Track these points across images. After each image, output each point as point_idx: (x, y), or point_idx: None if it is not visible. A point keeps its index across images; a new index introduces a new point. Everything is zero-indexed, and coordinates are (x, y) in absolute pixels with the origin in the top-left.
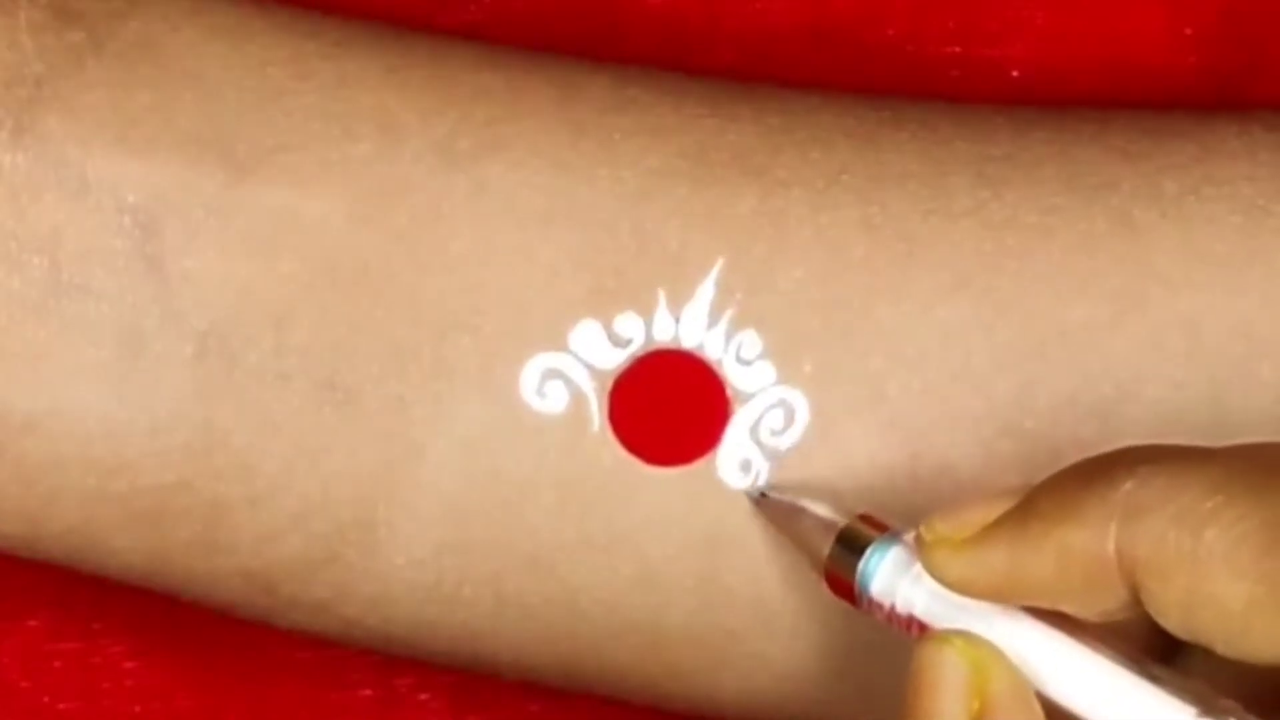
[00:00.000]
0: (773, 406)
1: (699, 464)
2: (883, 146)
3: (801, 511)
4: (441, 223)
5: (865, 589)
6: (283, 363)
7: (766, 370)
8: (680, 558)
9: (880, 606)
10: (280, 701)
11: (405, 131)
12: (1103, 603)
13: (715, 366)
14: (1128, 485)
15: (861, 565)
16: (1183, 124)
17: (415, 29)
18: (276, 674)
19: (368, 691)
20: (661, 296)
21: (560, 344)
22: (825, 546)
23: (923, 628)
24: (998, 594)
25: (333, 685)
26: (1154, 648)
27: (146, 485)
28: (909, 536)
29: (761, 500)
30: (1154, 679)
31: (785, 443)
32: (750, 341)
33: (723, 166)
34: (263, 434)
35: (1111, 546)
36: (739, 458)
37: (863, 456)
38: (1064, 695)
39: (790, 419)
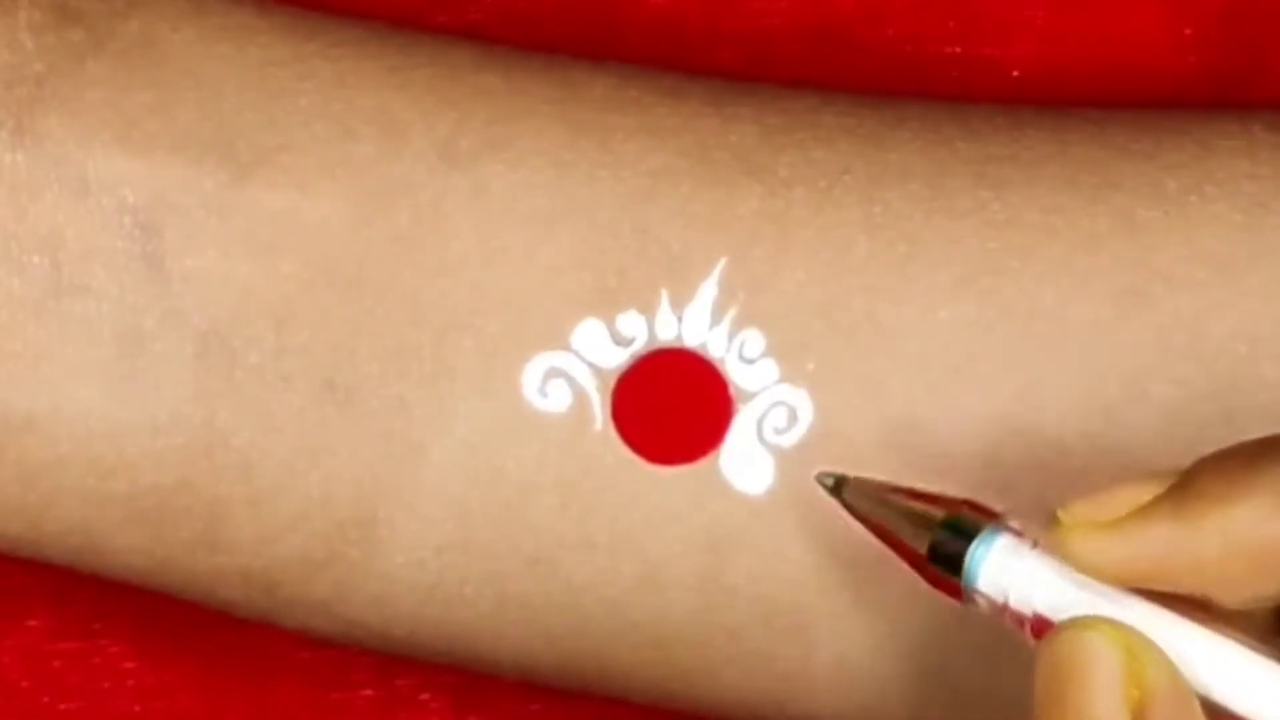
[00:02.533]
0: (776, 405)
1: (702, 463)
2: (885, 146)
3: (896, 495)
4: (442, 223)
5: (972, 582)
6: (283, 363)
7: (769, 369)
8: (683, 557)
9: (991, 600)
10: (280, 701)
11: (406, 131)
12: (1262, 588)
13: (718, 365)
14: None
15: (968, 557)
16: (1183, 123)
17: (416, 29)
18: (276, 674)
19: (368, 691)
20: (664, 295)
21: (562, 343)
22: (919, 536)
23: (1042, 621)
24: (1146, 578)
25: (333, 685)
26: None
27: (147, 485)
28: (1016, 524)
29: (848, 486)
30: None
31: (788, 441)
32: (753, 340)
33: (724, 166)
34: (263, 434)
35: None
36: (742, 457)
37: (866, 455)
38: (1208, 686)
39: (793, 418)
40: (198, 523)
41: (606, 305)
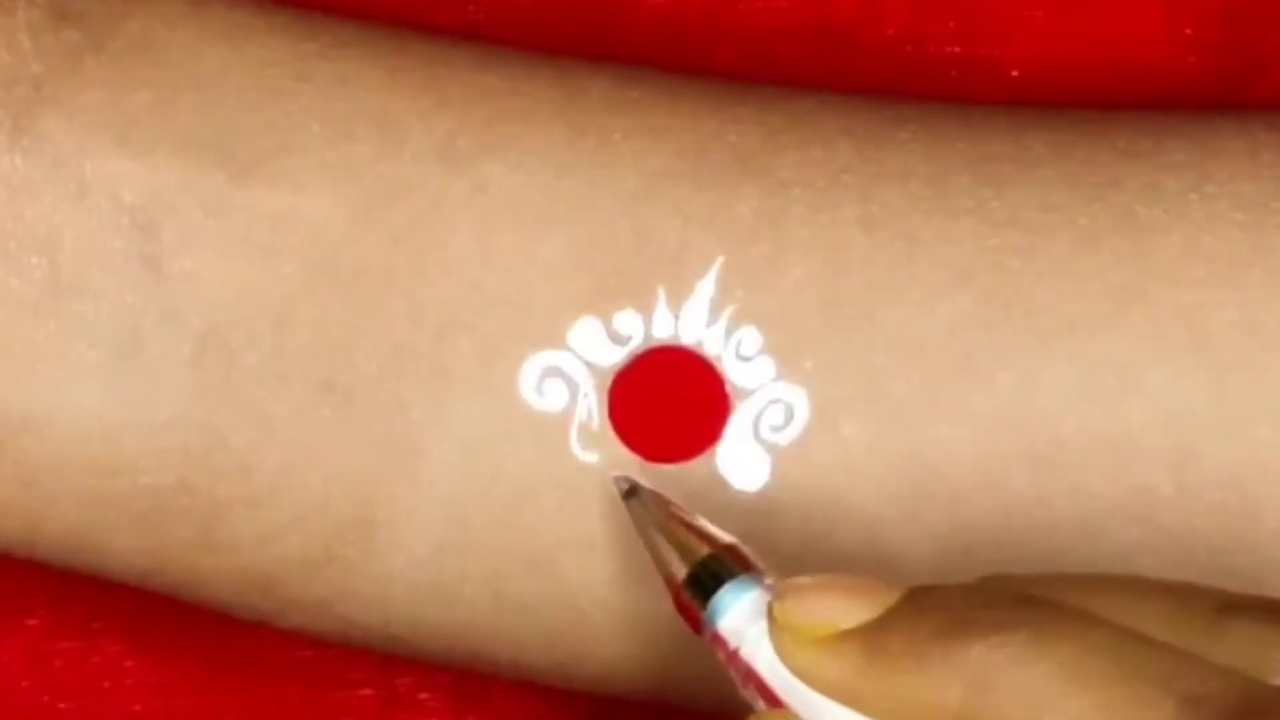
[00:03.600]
0: (773, 403)
1: (698, 461)
2: (884, 146)
3: (673, 520)
4: (441, 223)
5: (712, 623)
6: (282, 363)
7: (766, 366)
8: None
9: (725, 645)
10: (280, 701)
11: (405, 132)
12: None
13: (715, 363)
14: (978, 649)
15: (715, 599)
16: (1183, 123)
17: (415, 29)
18: (276, 674)
19: (368, 691)
20: (661, 294)
21: (559, 342)
22: (683, 566)
23: (762, 686)
24: (838, 699)
25: (333, 685)
26: None
27: (145, 485)
28: (769, 584)
29: (631, 495)
30: None
31: (785, 439)
32: (750, 338)
33: (723, 166)
34: (262, 434)
35: (954, 709)
36: (738, 454)
37: (863, 453)
38: None
39: (790, 415)
40: (196, 523)
41: (603, 304)
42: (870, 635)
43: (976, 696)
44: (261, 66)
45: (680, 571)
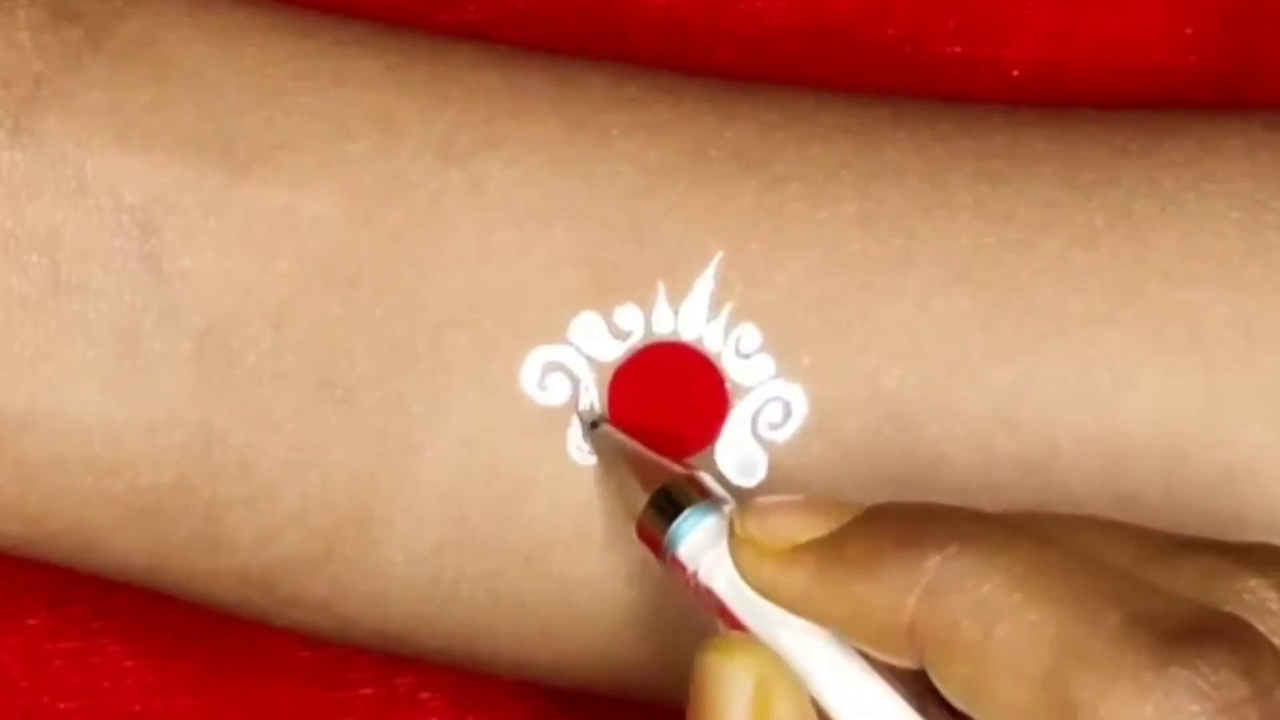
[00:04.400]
0: (771, 400)
1: (697, 457)
2: (881, 143)
3: (634, 454)
4: (440, 220)
5: (672, 548)
6: (281, 361)
7: (765, 363)
8: None
9: (683, 569)
10: (280, 701)
11: (404, 129)
12: (893, 658)
13: (714, 359)
14: (935, 559)
15: (674, 524)
16: (1182, 122)
17: (414, 28)
18: (276, 674)
19: (368, 691)
20: (661, 289)
21: (560, 336)
22: (644, 494)
23: (720, 606)
24: (794, 611)
25: (333, 685)
26: None
27: (145, 484)
28: (729, 509)
29: (595, 431)
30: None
31: (782, 436)
32: (749, 335)
33: (721, 163)
34: (261, 432)
35: (907, 616)
36: (737, 451)
37: (859, 450)
38: (840, 717)
39: (788, 412)
40: (195, 521)
41: (604, 299)
42: (828, 545)
43: (930, 604)
44: (261, 65)
45: (641, 499)
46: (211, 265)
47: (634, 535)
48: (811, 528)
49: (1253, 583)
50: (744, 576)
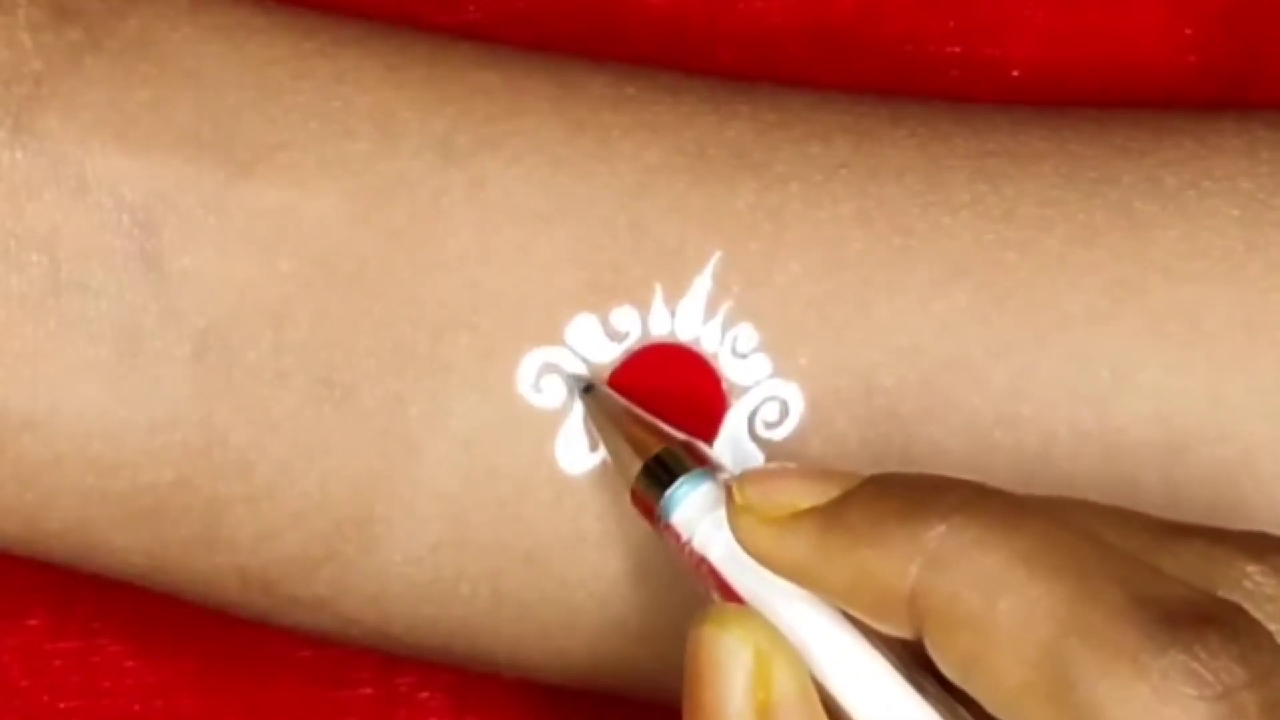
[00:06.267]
0: (768, 399)
1: None
2: (881, 142)
3: (630, 417)
4: (440, 220)
5: (666, 515)
6: (281, 361)
7: (762, 363)
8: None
9: (676, 536)
10: (280, 701)
11: (403, 129)
12: (891, 628)
13: (711, 360)
14: (939, 529)
15: (669, 491)
16: (1182, 122)
17: (414, 28)
18: (276, 673)
19: (368, 690)
20: (658, 290)
21: (556, 338)
22: (638, 461)
23: (714, 575)
24: (793, 580)
25: (333, 684)
26: None
27: (145, 483)
28: (725, 477)
29: (588, 394)
30: (924, 694)
31: (780, 435)
32: (746, 335)
33: (720, 162)
34: (261, 432)
35: (908, 586)
36: (735, 450)
37: (857, 448)
38: (836, 689)
39: (785, 412)
40: (196, 521)
41: (601, 300)
42: (829, 511)
43: (932, 574)
44: (261, 64)
45: (635, 466)
46: (212, 264)
47: (629, 502)
48: (812, 495)
49: (1251, 569)
50: (742, 543)
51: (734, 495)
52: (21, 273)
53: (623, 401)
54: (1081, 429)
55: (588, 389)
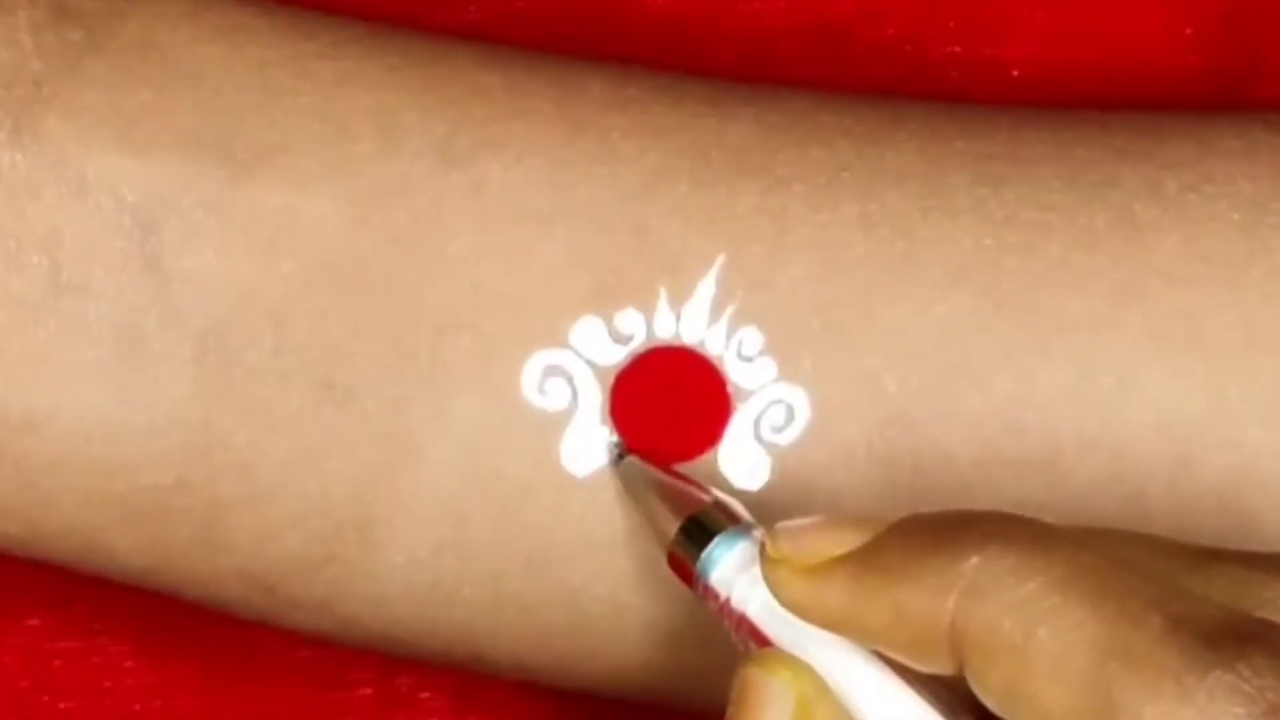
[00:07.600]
0: (773, 403)
1: (699, 461)
2: (882, 145)
3: (660, 484)
4: (440, 222)
5: (704, 576)
6: (282, 362)
7: (767, 367)
8: None
9: (716, 596)
10: (280, 701)
11: (404, 130)
12: (932, 665)
13: (716, 363)
14: (974, 560)
15: (706, 552)
16: (1183, 123)
17: (414, 28)
18: (276, 674)
19: (368, 691)
20: (662, 293)
21: (561, 341)
22: (674, 523)
23: (754, 630)
24: (831, 628)
25: (333, 685)
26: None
27: (146, 485)
28: (760, 533)
29: (621, 464)
30: None
31: (785, 439)
32: (751, 338)
33: (722, 164)
34: (262, 433)
35: (947, 619)
36: (740, 454)
37: (862, 453)
38: None
39: (790, 416)
40: (196, 522)
41: (605, 303)
42: (863, 555)
43: (971, 605)
44: (261, 66)
45: (671, 528)
46: (212, 265)
47: (664, 565)
48: (844, 542)
49: None
50: (778, 596)
51: (767, 549)
52: (22, 274)
53: (652, 468)
54: (1085, 434)
55: (620, 457)
